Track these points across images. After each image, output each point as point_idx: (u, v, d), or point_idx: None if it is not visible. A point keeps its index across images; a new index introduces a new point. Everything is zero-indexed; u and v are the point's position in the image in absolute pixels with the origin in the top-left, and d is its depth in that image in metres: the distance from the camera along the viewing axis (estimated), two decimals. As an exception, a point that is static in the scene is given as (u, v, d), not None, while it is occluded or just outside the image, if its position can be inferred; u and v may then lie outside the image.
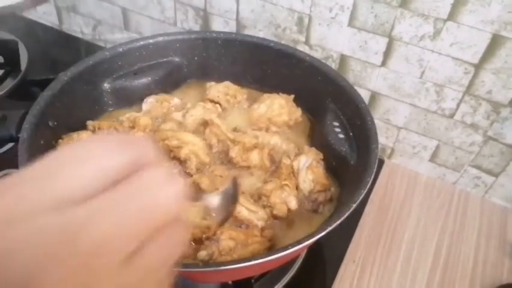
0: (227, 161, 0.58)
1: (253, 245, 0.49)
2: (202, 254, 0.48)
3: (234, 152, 0.57)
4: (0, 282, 0.18)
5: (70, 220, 0.19)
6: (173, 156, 0.58)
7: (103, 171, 0.20)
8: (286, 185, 0.55)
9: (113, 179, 0.20)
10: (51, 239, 0.18)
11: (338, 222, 0.46)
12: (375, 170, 0.51)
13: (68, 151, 0.21)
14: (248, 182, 0.57)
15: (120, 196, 0.19)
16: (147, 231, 0.20)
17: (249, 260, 0.42)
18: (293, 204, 0.54)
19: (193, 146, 0.57)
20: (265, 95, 0.65)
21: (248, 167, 0.57)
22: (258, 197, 0.55)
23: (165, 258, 0.21)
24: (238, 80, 0.69)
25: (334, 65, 0.73)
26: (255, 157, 0.57)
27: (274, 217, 0.54)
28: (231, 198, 0.40)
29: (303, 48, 0.74)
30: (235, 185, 0.41)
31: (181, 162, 0.57)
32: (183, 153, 0.56)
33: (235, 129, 0.62)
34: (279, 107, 0.63)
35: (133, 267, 0.19)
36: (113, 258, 0.19)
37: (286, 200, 0.54)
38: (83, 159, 0.20)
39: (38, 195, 0.19)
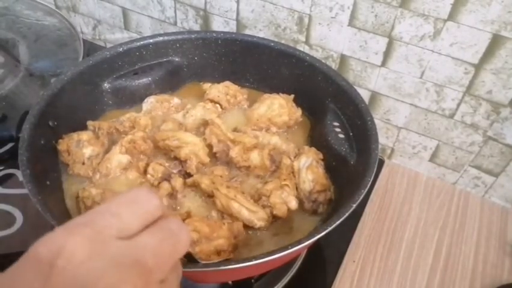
0: (227, 161, 0.58)
1: (218, 239, 0.48)
2: None
3: (234, 152, 0.57)
4: None
5: (134, 250, 0.23)
6: (174, 156, 0.58)
7: (145, 214, 0.26)
8: (286, 185, 0.55)
9: (148, 220, 0.26)
10: (123, 265, 0.22)
11: (338, 222, 0.46)
12: (375, 170, 0.51)
13: (129, 197, 0.27)
14: (248, 182, 0.57)
15: (161, 233, 0.25)
16: (177, 258, 0.26)
17: (249, 260, 0.42)
18: (293, 204, 0.54)
19: (193, 146, 0.57)
20: (265, 95, 0.65)
21: (248, 167, 0.57)
22: (258, 197, 0.55)
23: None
24: (238, 80, 0.69)
25: (334, 65, 0.73)
26: (255, 157, 0.57)
27: (274, 217, 0.54)
28: None
29: (303, 48, 0.74)
30: None
31: (182, 162, 0.57)
32: (183, 153, 0.56)
33: (235, 130, 0.62)
34: (279, 107, 0.63)
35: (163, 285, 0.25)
36: (160, 276, 0.24)
37: (286, 200, 0.54)
38: (133, 205, 0.26)
39: (108, 228, 0.24)
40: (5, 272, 0.22)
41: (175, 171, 0.57)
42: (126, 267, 0.22)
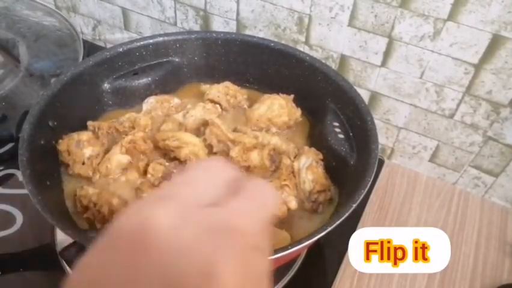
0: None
1: None
2: None
3: (235, 152, 0.57)
4: (180, 281, 0.19)
5: (225, 215, 0.22)
6: (174, 156, 0.58)
7: (225, 181, 0.25)
8: (286, 185, 0.55)
9: (229, 187, 0.25)
10: (216, 231, 0.21)
11: (338, 222, 0.46)
12: (375, 170, 0.51)
13: (202, 166, 0.27)
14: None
15: (247, 199, 0.24)
16: (267, 221, 0.24)
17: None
18: (293, 204, 0.54)
19: (193, 146, 0.57)
20: (265, 96, 0.65)
21: (248, 167, 0.57)
22: None
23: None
24: (238, 80, 0.69)
25: (334, 65, 0.73)
26: (255, 157, 0.57)
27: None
28: None
29: (303, 48, 0.74)
30: None
31: (182, 162, 0.57)
32: (183, 154, 0.56)
33: (235, 130, 0.62)
34: (279, 108, 0.63)
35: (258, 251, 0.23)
36: (253, 241, 0.22)
37: (286, 200, 0.54)
38: (213, 173, 0.25)
39: (191, 197, 0.23)
40: (89, 254, 0.21)
41: (175, 170, 0.57)
42: (219, 233, 0.21)
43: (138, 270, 0.20)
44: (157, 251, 0.20)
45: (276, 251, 0.44)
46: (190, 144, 0.57)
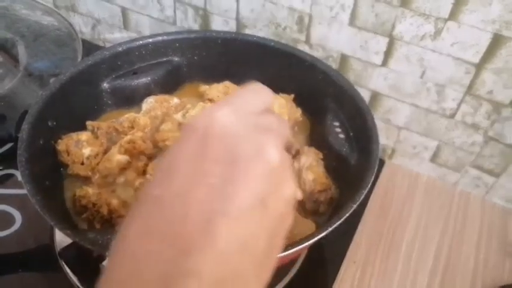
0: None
1: None
2: None
3: None
4: (238, 156, 0.26)
5: (265, 120, 0.29)
6: None
7: (265, 103, 0.32)
8: None
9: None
10: (263, 130, 0.28)
11: (339, 222, 0.46)
12: (375, 170, 0.51)
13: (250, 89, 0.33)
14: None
15: (270, 121, 0.30)
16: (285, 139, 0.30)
17: (249, 260, 0.42)
18: (299, 194, 0.54)
19: None
20: (266, 95, 0.65)
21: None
22: None
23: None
24: (238, 80, 0.69)
25: (334, 65, 0.73)
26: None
27: None
28: None
29: (303, 47, 0.74)
30: None
31: None
32: None
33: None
34: (279, 107, 0.63)
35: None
36: (283, 142, 0.29)
37: None
38: (256, 95, 0.32)
39: (244, 106, 0.29)
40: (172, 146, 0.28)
41: None
42: (265, 131, 0.28)
43: (205, 152, 0.26)
44: (217, 142, 0.26)
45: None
46: None
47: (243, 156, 0.26)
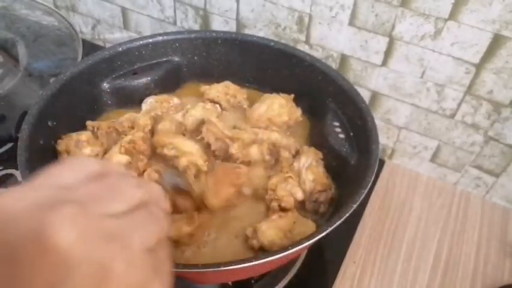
0: (226, 157, 0.58)
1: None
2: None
3: (234, 148, 0.56)
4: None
5: (125, 226, 0.26)
6: (172, 164, 0.57)
7: (133, 199, 0.28)
8: (290, 177, 0.55)
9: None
10: (107, 241, 0.24)
11: (339, 222, 0.46)
12: (375, 170, 0.51)
13: (115, 179, 0.29)
14: (253, 177, 0.57)
15: (145, 214, 0.28)
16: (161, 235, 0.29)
17: (249, 260, 0.42)
18: (299, 195, 0.54)
19: (191, 156, 0.56)
20: (265, 95, 0.65)
21: (249, 162, 0.57)
22: (265, 191, 0.55)
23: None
24: (238, 80, 0.69)
25: (334, 65, 0.73)
26: (255, 152, 0.57)
27: (283, 210, 0.53)
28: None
29: (303, 47, 0.74)
30: None
31: (180, 171, 0.56)
32: (182, 165, 0.55)
33: (235, 128, 0.62)
34: (279, 107, 0.63)
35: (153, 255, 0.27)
36: (144, 245, 0.27)
37: (291, 191, 0.54)
38: (121, 190, 0.28)
39: (101, 209, 0.26)
40: None
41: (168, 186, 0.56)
42: (110, 243, 0.24)
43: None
44: (52, 263, 0.22)
45: (276, 252, 0.43)
46: (187, 154, 0.56)
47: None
